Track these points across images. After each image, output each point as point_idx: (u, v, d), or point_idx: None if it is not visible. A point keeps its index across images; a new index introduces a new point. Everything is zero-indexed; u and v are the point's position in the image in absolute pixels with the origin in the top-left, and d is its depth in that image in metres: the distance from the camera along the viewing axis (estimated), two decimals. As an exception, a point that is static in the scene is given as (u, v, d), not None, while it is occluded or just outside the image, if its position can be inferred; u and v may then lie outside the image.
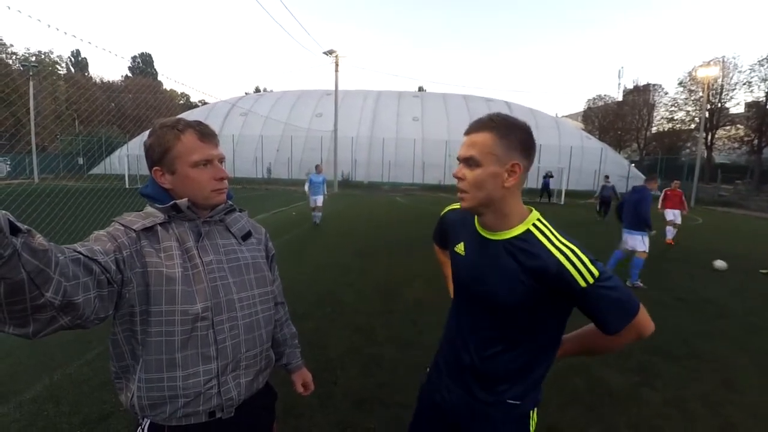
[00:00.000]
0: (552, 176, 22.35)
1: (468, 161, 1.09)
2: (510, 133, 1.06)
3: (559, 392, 3.05)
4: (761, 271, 6.93)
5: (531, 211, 1.15)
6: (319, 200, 10.99)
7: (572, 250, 1.03)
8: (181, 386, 1.03)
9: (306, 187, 11.04)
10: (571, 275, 1.01)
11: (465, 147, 1.10)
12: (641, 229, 6.05)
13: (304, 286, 5.45)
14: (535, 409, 1.24)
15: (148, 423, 1.06)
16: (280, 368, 1.43)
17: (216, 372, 1.07)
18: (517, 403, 1.19)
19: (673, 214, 9.96)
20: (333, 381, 3.10)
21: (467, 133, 1.11)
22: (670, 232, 10.03)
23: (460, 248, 1.24)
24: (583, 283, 1.00)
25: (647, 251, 6.07)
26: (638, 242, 6.08)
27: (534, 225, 1.11)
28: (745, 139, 32.28)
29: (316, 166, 11.40)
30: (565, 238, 1.08)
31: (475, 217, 1.21)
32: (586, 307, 1.05)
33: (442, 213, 1.44)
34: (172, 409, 1.04)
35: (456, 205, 1.34)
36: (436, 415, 1.33)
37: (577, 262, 1.01)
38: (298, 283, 5.53)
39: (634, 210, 6.02)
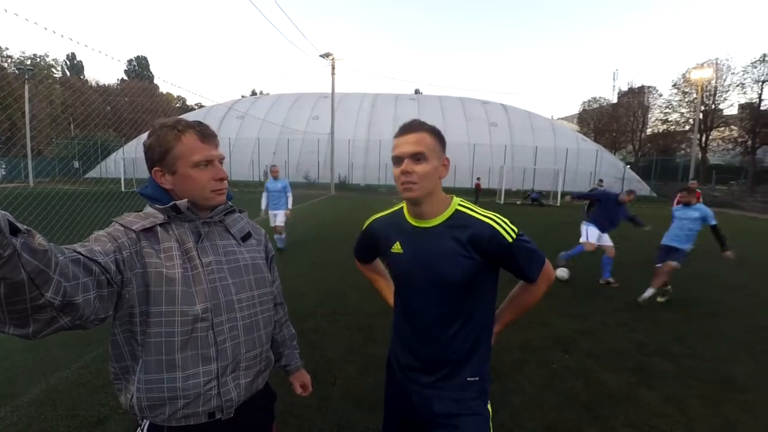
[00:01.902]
0: (539, 194, 22.70)
1: (416, 156, 1.21)
2: (437, 134, 1.27)
3: (556, 393, 3.05)
4: (659, 299, 5.35)
5: (453, 198, 1.33)
6: (279, 217, 7.52)
7: (496, 216, 1.26)
8: (181, 387, 1.03)
9: (263, 200, 7.70)
10: (500, 234, 1.22)
11: (410, 144, 1.22)
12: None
13: (304, 287, 5.45)
14: (489, 401, 1.37)
15: (147, 424, 1.06)
16: (279, 369, 1.43)
17: (216, 373, 1.07)
18: (476, 379, 1.33)
19: None
20: (332, 382, 3.10)
21: (405, 133, 1.24)
22: None
23: (397, 248, 1.36)
24: (509, 239, 1.22)
25: (584, 241, 6.47)
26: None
27: (460, 205, 1.31)
28: (739, 140, 32.52)
29: (272, 168, 7.72)
30: (487, 210, 1.30)
31: (405, 215, 1.37)
32: (513, 260, 1.25)
33: (365, 226, 1.52)
34: (171, 410, 1.03)
35: (377, 216, 1.50)
36: (404, 419, 1.42)
37: (502, 223, 1.24)
38: (298, 284, 5.52)
39: None
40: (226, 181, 1.13)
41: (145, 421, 1.06)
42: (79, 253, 0.84)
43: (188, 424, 1.06)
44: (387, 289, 1.66)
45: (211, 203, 1.12)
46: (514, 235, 1.23)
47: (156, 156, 1.08)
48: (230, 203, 1.20)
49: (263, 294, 1.21)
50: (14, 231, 0.63)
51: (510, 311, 1.46)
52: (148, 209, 1.10)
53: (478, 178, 24.38)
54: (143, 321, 1.00)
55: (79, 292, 0.78)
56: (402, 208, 1.40)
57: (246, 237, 1.23)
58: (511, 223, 1.26)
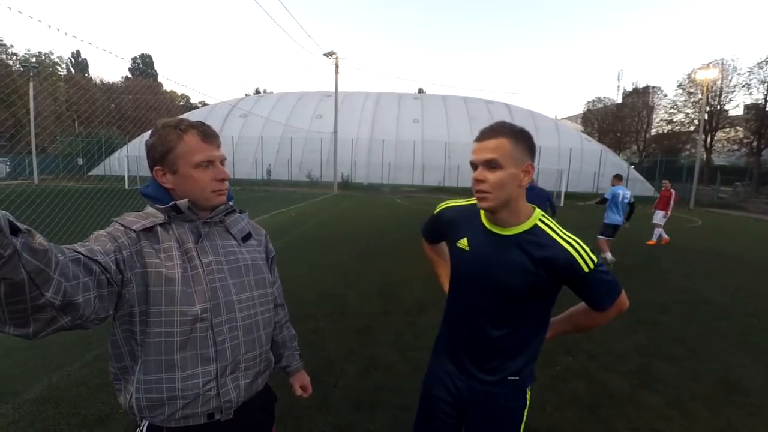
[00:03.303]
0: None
1: (489, 164, 1.16)
2: (520, 138, 1.20)
3: (558, 395, 3.04)
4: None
5: (534, 209, 1.26)
6: None
7: (576, 241, 1.20)
8: (180, 388, 1.03)
9: None
10: (577, 262, 1.16)
11: (483, 151, 1.18)
12: None
13: (304, 288, 5.44)
14: (530, 387, 1.39)
15: (146, 424, 1.06)
16: (279, 371, 1.43)
17: (215, 374, 1.07)
18: (516, 378, 1.33)
19: (658, 216, 9.98)
20: (333, 383, 3.09)
21: (481, 139, 1.20)
22: (656, 234, 10.06)
23: (463, 243, 1.32)
24: (586, 269, 1.17)
25: None
26: None
27: (540, 220, 1.24)
28: (744, 141, 32.34)
29: None
30: (569, 232, 1.24)
31: (482, 214, 1.30)
32: (585, 289, 1.22)
33: (437, 210, 1.49)
34: (170, 410, 1.03)
35: (451, 203, 1.45)
36: (442, 403, 1.42)
37: (582, 251, 1.18)
38: (298, 285, 5.52)
39: None
40: (226, 182, 1.14)
41: (144, 421, 1.06)
42: (80, 252, 0.84)
43: (187, 424, 1.06)
44: (445, 275, 1.61)
45: (212, 203, 1.12)
46: (592, 265, 1.17)
47: (158, 155, 1.08)
48: (231, 203, 1.20)
49: (263, 295, 1.21)
50: (14, 231, 0.63)
51: (566, 325, 1.43)
52: (149, 209, 1.10)
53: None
54: (143, 321, 1.00)
55: (80, 292, 0.78)
56: None
57: (246, 237, 1.22)
58: (591, 251, 1.19)
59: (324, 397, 2.89)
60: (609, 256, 7.15)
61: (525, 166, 1.19)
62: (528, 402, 1.38)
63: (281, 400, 1.45)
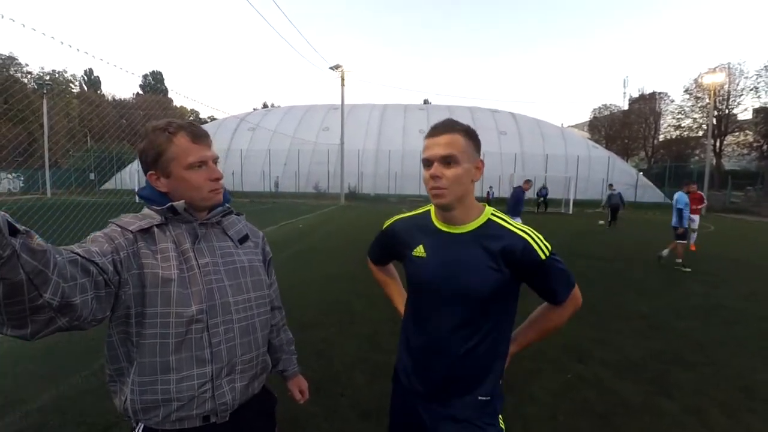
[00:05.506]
0: (546, 191, 22.55)
1: (446, 159, 1.14)
2: (471, 134, 1.20)
3: (569, 403, 2.97)
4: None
5: (485, 205, 1.26)
6: None
7: (530, 230, 1.21)
8: (175, 389, 1.01)
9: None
10: (534, 249, 1.16)
11: (439, 147, 1.15)
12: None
13: (312, 296, 5.41)
14: (502, 417, 1.31)
15: (142, 427, 1.04)
16: (276, 375, 1.41)
17: (210, 376, 1.05)
18: (488, 398, 1.26)
19: (693, 220, 9.82)
20: (340, 391, 3.06)
21: (434, 135, 1.17)
22: (692, 238, 9.85)
23: (419, 251, 1.28)
24: (543, 256, 1.17)
25: None
26: None
27: (492, 215, 1.24)
28: (755, 144, 31.98)
29: None
30: (520, 223, 1.23)
31: (433, 218, 1.29)
32: (543, 278, 1.21)
33: (385, 226, 1.44)
34: (165, 412, 1.02)
35: (399, 216, 1.42)
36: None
37: (537, 239, 1.18)
38: (306, 293, 5.49)
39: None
40: (221, 180, 1.13)
41: (139, 423, 1.05)
42: (77, 254, 0.84)
43: (182, 427, 1.05)
44: (398, 295, 1.60)
45: (209, 203, 1.11)
46: (547, 252, 1.17)
47: (149, 160, 1.07)
48: (228, 205, 1.19)
49: (260, 297, 1.20)
50: (13, 231, 0.63)
51: (530, 333, 1.37)
52: (146, 210, 1.10)
53: (490, 187, 24.23)
54: (139, 322, 0.99)
55: (77, 293, 0.77)
56: (429, 210, 1.32)
57: (243, 239, 1.22)
58: (545, 239, 1.20)
59: (331, 405, 2.85)
60: (678, 261, 7.72)
61: (476, 163, 1.20)
62: (504, 430, 1.29)
63: (287, 407, 1.44)
